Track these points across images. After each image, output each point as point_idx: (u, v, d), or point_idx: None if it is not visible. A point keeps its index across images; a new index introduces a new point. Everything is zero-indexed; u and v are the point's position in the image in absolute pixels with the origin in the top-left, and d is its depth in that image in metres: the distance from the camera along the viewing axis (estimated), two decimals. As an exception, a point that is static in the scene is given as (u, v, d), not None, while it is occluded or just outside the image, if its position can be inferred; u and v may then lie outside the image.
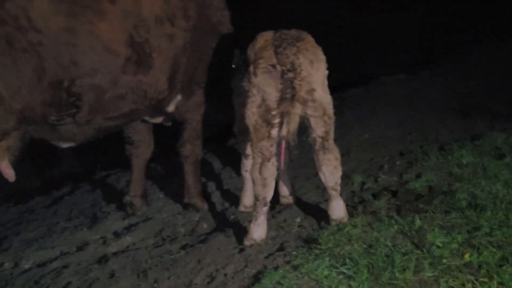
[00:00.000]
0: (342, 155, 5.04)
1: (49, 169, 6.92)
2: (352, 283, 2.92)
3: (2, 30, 3.10)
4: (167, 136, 5.06)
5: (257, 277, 3.14)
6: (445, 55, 9.34)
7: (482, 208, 3.54)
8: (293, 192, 4.26)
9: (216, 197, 4.70)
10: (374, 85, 7.84)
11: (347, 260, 3.09)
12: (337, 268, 3.05)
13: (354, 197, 4.16)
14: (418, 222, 3.46)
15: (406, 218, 3.56)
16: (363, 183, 4.38)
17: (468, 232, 3.32)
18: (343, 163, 4.86)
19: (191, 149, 4.42)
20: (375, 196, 4.06)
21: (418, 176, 4.23)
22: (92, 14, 3.43)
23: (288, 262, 3.24)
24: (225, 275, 3.27)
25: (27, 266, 3.85)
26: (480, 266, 2.97)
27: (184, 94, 4.19)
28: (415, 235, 3.33)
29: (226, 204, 4.52)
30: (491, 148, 4.57)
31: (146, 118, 4.27)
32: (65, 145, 3.88)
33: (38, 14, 3.21)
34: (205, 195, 4.64)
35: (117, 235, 4.22)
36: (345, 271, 3.02)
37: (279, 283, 2.99)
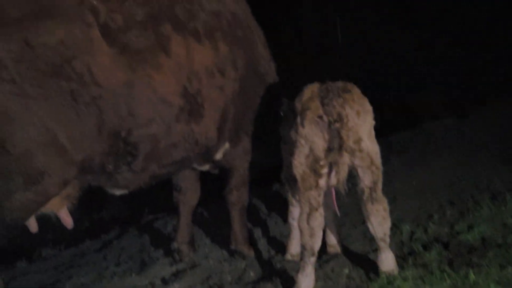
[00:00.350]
0: (389, 203, 5.01)
1: (97, 212, 7.10)
2: None
3: (68, 86, 3.22)
4: (213, 181, 5.14)
5: (306, 331, 3.09)
6: (496, 98, 9.12)
7: (541, 262, 3.40)
8: (340, 241, 4.19)
9: (262, 244, 4.67)
10: (420, 129, 7.71)
11: (399, 316, 3.00)
12: (388, 323, 2.96)
13: (403, 248, 4.05)
14: (472, 276, 3.34)
15: (459, 272, 3.45)
16: (412, 233, 4.26)
17: (526, 288, 3.19)
18: (391, 212, 4.80)
19: (238, 195, 4.46)
20: (425, 247, 3.94)
21: (470, 227, 4.10)
22: (149, 67, 3.55)
23: (337, 316, 3.17)
24: (274, 326, 3.23)
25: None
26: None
27: (231, 141, 4.26)
28: (469, 290, 3.23)
29: (273, 252, 4.48)
30: (549, 198, 4.41)
31: (195, 165, 4.34)
32: (119, 192, 3.96)
33: (100, 70, 3.33)
34: (251, 242, 4.62)
35: (165, 281, 4.22)
36: (395, 327, 2.93)
37: (328, 338, 2.93)
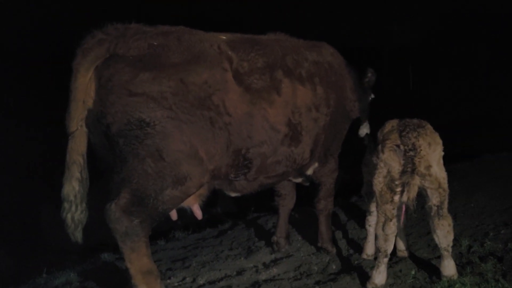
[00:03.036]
0: (451, 220, 4.77)
1: (215, 208, 7.33)
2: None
3: (208, 115, 3.34)
4: (305, 190, 5.19)
5: (378, 316, 3.04)
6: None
7: None
8: (408, 247, 4.07)
9: (342, 244, 4.63)
10: (478, 160, 7.27)
11: (457, 314, 2.87)
12: (448, 319, 2.85)
13: (462, 258, 3.84)
14: (523, 287, 3.13)
15: (511, 283, 3.23)
16: (470, 246, 4.04)
17: None
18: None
19: (325, 204, 4.46)
20: (481, 259, 3.73)
21: (523, 245, 3.83)
22: (265, 103, 3.63)
23: (404, 308, 3.09)
24: (351, 310, 3.21)
25: (201, 282, 4.07)
26: None
27: (320, 162, 4.28)
28: (520, 299, 3.01)
29: (351, 251, 4.43)
30: None
31: (291, 178, 4.41)
32: (234, 195, 4.05)
33: (230, 103, 3.44)
34: (334, 242, 4.60)
35: (266, 266, 4.32)
36: (454, 322, 2.81)
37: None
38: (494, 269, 3.51)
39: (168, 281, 4.18)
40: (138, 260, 3.24)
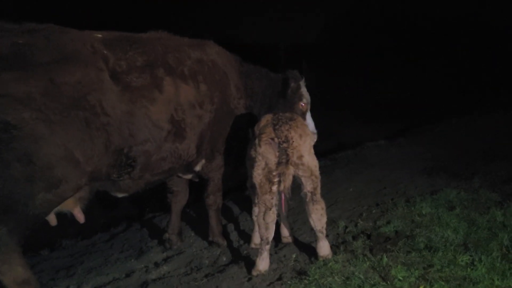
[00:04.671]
0: (331, 205, 5.19)
1: (110, 211, 7.08)
2: (330, 307, 2.98)
3: (83, 115, 3.26)
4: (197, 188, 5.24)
5: (259, 301, 3.21)
6: (418, 127, 9.46)
7: (436, 249, 3.58)
8: (291, 234, 4.33)
9: (234, 236, 4.79)
10: (360, 148, 7.95)
11: (328, 289, 3.15)
12: (320, 295, 3.11)
13: (338, 238, 4.20)
14: (385, 259, 3.51)
15: (377, 256, 3.61)
16: (346, 227, 4.42)
17: (424, 268, 3.36)
18: (332, 211, 4.99)
19: (213, 199, 4.54)
20: (354, 237, 4.10)
21: (388, 222, 4.27)
22: (146, 101, 3.62)
23: (283, 289, 3.31)
24: (235, 298, 3.35)
25: (87, 290, 3.97)
26: (431, 296, 3.01)
27: (207, 158, 4.33)
28: (382, 270, 3.38)
29: (242, 242, 4.60)
30: (445, 201, 4.59)
31: (180, 174, 4.44)
32: (121, 195, 4.00)
33: (108, 103, 3.39)
34: (225, 234, 4.72)
35: (157, 265, 4.31)
36: (326, 297, 3.08)
37: (274, 306, 3.06)
38: (364, 245, 3.88)
39: (51, 292, 3.98)
40: (11, 271, 3.08)
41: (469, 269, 3.25)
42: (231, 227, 5.01)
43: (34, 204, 3.08)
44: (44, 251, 5.20)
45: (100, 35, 3.62)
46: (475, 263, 3.33)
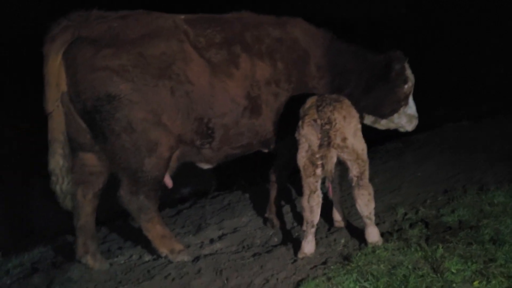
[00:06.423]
0: (394, 190, 4.93)
1: (180, 189, 7.43)
2: (369, 296, 2.85)
3: (169, 84, 3.65)
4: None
5: (299, 284, 3.18)
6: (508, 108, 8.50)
7: (502, 242, 3.24)
8: (344, 218, 4.20)
9: (289, 217, 4.76)
10: (438, 130, 7.37)
11: (370, 277, 3.01)
12: (360, 282, 3.00)
13: (394, 226, 3.98)
14: (440, 250, 3.26)
15: (432, 246, 3.37)
16: (405, 214, 4.16)
17: (484, 262, 3.07)
18: (393, 197, 4.75)
19: (279, 176, 4.52)
20: (411, 225, 3.86)
21: (453, 211, 3.94)
22: (224, 76, 3.86)
23: (325, 274, 3.23)
24: (277, 279, 3.35)
25: (146, 259, 4.19)
26: (486, 293, 2.74)
27: (281, 136, 4.28)
28: (435, 261, 3.15)
29: (295, 224, 4.57)
30: (523, 191, 4.12)
31: (260, 149, 4.46)
32: (206, 166, 4.29)
33: (191, 73, 3.73)
34: (281, 215, 4.69)
35: (212, 241, 4.44)
36: (366, 285, 2.97)
37: (312, 290, 3.01)
38: (420, 234, 3.63)
39: (115, 259, 4.31)
40: (153, 228, 3.85)
41: (537, 267, 2.90)
42: (287, 208, 4.98)
43: (147, 169, 3.64)
44: (119, 221, 5.52)
45: (182, 16, 3.98)
46: (546, 261, 2.95)
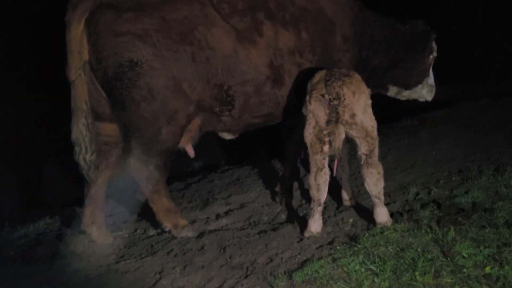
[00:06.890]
0: (406, 168, 4.77)
1: (191, 162, 7.37)
2: (375, 279, 2.79)
3: (190, 50, 3.58)
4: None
5: (303, 264, 3.10)
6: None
7: (517, 226, 3.10)
8: (353, 197, 4.09)
9: (297, 195, 4.65)
10: (455, 108, 7.11)
11: (376, 259, 2.92)
12: (366, 265, 2.91)
13: (405, 206, 3.86)
14: (452, 233, 3.15)
15: (443, 228, 3.25)
16: (417, 194, 4.04)
17: (498, 247, 2.95)
18: (405, 175, 4.59)
19: (293, 150, 4.44)
20: (422, 206, 3.74)
21: (467, 192, 3.81)
22: (247, 43, 3.76)
23: (330, 255, 3.15)
24: (281, 258, 3.28)
25: (151, 234, 4.17)
26: (498, 279, 2.64)
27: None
28: (446, 244, 3.05)
29: (303, 201, 4.48)
30: (542, 173, 3.93)
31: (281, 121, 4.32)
32: (228, 137, 4.21)
33: (213, 38, 3.64)
34: (289, 192, 4.58)
35: (218, 217, 4.39)
36: (373, 268, 2.88)
37: (316, 271, 2.93)
38: (431, 215, 3.52)
39: (120, 232, 4.29)
40: (159, 200, 3.80)
41: (553, 254, 2.76)
42: (295, 185, 4.87)
43: (162, 138, 3.59)
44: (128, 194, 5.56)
45: None
46: None
